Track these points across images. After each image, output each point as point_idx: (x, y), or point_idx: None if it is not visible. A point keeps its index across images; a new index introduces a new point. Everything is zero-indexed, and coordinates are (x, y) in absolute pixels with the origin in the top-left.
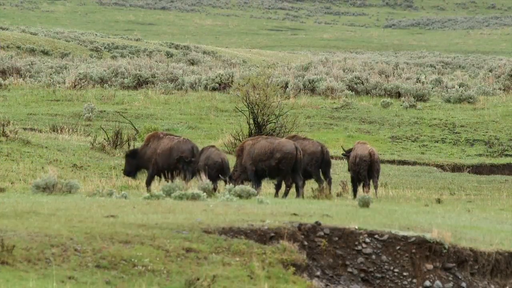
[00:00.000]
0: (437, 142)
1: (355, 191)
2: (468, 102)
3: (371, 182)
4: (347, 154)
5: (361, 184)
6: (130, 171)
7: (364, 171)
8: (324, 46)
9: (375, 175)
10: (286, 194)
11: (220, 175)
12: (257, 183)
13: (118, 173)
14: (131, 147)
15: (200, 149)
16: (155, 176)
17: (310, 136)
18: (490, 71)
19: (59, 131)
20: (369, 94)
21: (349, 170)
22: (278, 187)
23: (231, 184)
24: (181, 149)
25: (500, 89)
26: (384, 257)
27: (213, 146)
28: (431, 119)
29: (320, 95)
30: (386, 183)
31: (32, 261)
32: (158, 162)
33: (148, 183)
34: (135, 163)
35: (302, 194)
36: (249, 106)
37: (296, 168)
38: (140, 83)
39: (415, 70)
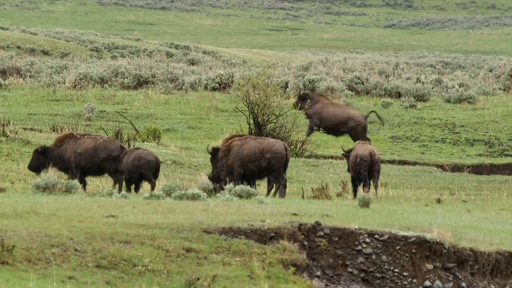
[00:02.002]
0: (437, 142)
1: (355, 191)
2: (468, 102)
3: (371, 182)
4: (347, 154)
5: (361, 184)
6: (36, 167)
7: (365, 171)
8: (324, 46)
9: (375, 175)
10: (283, 194)
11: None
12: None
13: None
14: (131, 147)
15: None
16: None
17: (310, 136)
18: (490, 71)
19: (59, 131)
20: (369, 94)
21: (348, 170)
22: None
23: (231, 185)
24: (109, 148)
25: (500, 89)
26: (384, 257)
27: (139, 148)
28: (431, 119)
29: None
30: (386, 183)
31: (32, 261)
32: (79, 162)
33: (82, 184)
34: (43, 161)
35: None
36: (249, 106)
37: (285, 168)
38: (140, 83)
39: (415, 70)
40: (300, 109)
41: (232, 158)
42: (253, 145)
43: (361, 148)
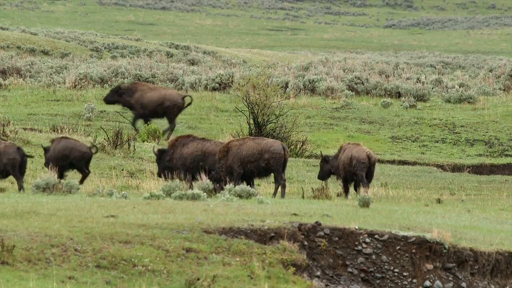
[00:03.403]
0: (437, 142)
1: (346, 191)
2: (468, 102)
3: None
4: (328, 158)
5: (360, 185)
6: None
7: (362, 172)
8: (324, 46)
9: (369, 177)
10: (283, 194)
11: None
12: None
13: (118, 173)
14: (131, 147)
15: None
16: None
17: (310, 136)
18: (490, 71)
19: (59, 131)
20: (369, 94)
21: (319, 177)
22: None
23: (231, 185)
24: (8, 153)
25: (500, 89)
26: (384, 257)
27: (66, 137)
28: (431, 119)
29: (320, 95)
30: (386, 183)
31: (32, 261)
32: None
33: None
34: None
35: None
36: (249, 106)
37: (284, 168)
38: None
39: (415, 70)
40: (116, 103)
41: (231, 158)
42: (251, 145)
43: (356, 150)
